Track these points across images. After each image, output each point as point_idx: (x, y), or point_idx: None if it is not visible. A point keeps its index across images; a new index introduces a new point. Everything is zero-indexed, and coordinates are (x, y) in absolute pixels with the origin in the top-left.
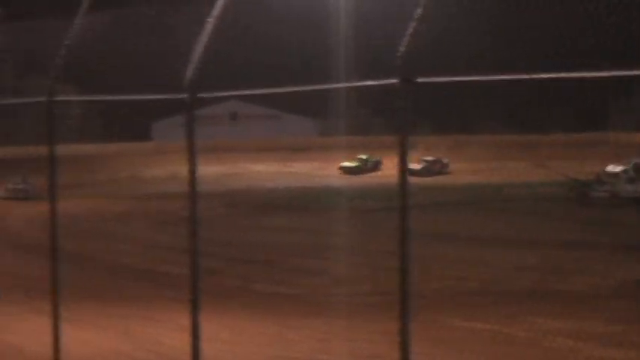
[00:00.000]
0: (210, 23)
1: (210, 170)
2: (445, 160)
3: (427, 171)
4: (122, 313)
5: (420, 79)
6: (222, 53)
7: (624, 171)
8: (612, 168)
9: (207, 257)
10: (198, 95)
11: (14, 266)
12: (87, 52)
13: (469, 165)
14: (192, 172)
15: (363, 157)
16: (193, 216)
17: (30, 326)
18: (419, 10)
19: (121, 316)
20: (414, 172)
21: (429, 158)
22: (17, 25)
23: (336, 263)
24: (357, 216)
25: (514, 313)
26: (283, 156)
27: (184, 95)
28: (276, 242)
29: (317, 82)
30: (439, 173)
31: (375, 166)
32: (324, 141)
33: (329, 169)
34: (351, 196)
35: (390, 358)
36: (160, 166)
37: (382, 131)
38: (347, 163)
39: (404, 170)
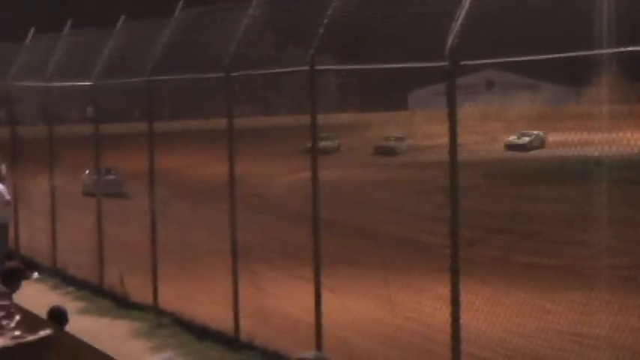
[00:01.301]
0: None
1: (466, 139)
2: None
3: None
4: (382, 281)
5: None
6: (482, 20)
7: None
8: None
9: (467, 227)
10: (459, 63)
11: (278, 233)
12: (346, 22)
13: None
14: (453, 140)
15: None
16: (454, 185)
17: (292, 292)
18: None
19: (381, 284)
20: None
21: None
22: None
23: (595, 235)
24: (618, 187)
25: None
26: (540, 125)
27: (445, 63)
28: (535, 212)
29: (576, 49)
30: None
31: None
32: (583, 109)
33: (587, 138)
34: (609, 167)
35: None
36: (416, 135)
37: None
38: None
39: None
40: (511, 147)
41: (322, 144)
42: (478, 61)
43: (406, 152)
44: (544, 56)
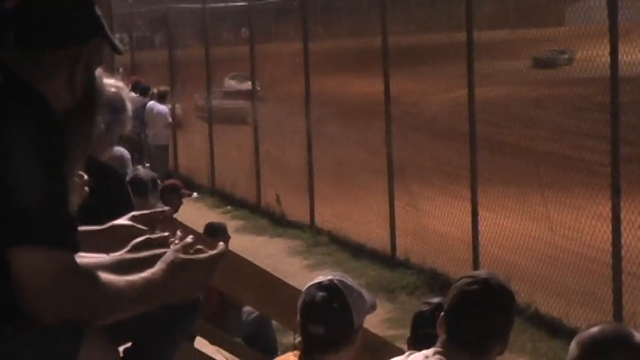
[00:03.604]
0: None
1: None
2: None
3: None
4: (540, 200)
5: None
6: None
7: None
8: None
9: (627, 144)
10: None
11: (433, 152)
12: None
13: None
14: (615, 55)
15: None
16: (615, 101)
17: (448, 210)
18: None
19: (539, 203)
20: None
21: None
22: None
23: None
24: None
25: None
26: None
27: None
28: None
29: None
30: None
31: None
32: None
33: None
34: None
35: None
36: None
37: None
38: None
39: None
40: None
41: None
42: None
43: (567, 64)
44: None
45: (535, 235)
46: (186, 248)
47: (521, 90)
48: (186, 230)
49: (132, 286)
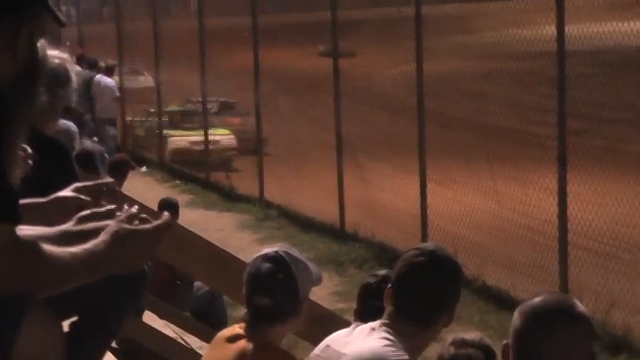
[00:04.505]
0: None
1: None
2: None
3: None
4: (489, 173)
5: None
6: None
7: None
8: None
9: (574, 117)
10: None
11: (382, 126)
12: None
13: None
14: (561, 28)
15: None
16: (561, 75)
17: (397, 184)
18: None
19: (487, 176)
20: None
21: None
22: None
23: None
24: None
25: None
26: None
27: None
28: None
29: None
30: None
31: None
32: None
33: None
34: None
35: None
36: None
37: None
38: None
39: None
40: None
41: None
42: None
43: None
44: None
45: (483, 209)
46: (130, 219)
47: (470, 64)
48: (132, 203)
49: (75, 256)
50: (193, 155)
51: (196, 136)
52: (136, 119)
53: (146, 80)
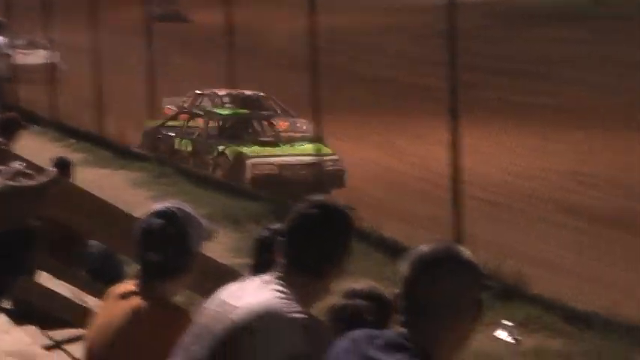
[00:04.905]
0: None
1: None
2: None
3: None
4: (383, 126)
5: None
6: None
7: None
8: None
9: (466, 69)
10: None
11: (277, 82)
12: None
13: None
14: None
15: None
16: (452, 28)
17: None
18: None
19: (381, 129)
20: None
21: None
22: None
23: (601, 74)
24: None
25: None
26: None
27: None
28: (539, 53)
29: None
30: None
31: None
32: None
33: None
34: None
35: None
36: None
37: None
38: None
39: None
40: None
41: None
42: None
43: None
44: None
45: (379, 162)
46: (14, 175)
47: (363, 18)
48: (20, 160)
49: None
50: (297, 183)
51: (290, 156)
52: (170, 125)
53: (47, 55)
